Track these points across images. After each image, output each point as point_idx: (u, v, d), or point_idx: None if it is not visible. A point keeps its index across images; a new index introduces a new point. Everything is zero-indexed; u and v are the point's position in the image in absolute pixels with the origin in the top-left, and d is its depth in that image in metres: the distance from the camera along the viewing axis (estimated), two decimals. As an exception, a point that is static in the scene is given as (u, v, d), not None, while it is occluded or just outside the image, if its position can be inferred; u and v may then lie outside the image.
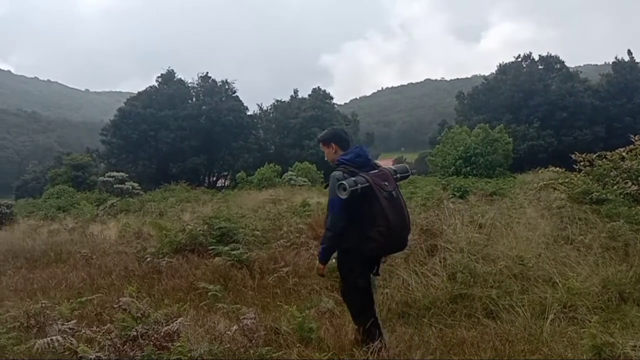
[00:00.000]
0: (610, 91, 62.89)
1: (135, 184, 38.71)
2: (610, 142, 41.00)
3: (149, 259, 8.00)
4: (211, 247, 7.84)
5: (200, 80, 71.71)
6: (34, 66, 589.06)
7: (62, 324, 4.53)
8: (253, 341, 4.12)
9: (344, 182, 3.85)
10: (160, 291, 6.77)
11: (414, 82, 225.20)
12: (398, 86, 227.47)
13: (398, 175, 4.25)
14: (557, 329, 4.77)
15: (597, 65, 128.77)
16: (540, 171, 21.96)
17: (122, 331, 3.99)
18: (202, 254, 7.96)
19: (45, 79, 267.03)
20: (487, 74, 79.22)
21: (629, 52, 63.87)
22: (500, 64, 71.60)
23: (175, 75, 71.65)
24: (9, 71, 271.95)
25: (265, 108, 77.71)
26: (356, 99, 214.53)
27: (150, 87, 71.06)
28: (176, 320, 4.15)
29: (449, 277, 5.90)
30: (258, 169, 40.39)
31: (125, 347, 3.84)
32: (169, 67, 74.14)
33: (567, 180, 10.41)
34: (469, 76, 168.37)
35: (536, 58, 68.92)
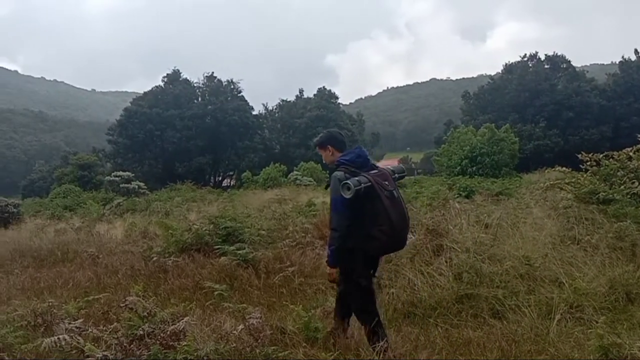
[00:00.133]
0: (617, 91, 62.61)
1: (142, 184, 38.91)
2: (617, 142, 40.83)
3: (155, 259, 8.03)
4: (217, 247, 7.85)
5: (205, 80, 71.83)
6: (40, 66, 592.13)
7: (69, 323, 4.55)
8: (259, 340, 4.12)
9: (348, 181, 3.87)
10: (166, 290, 6.80)
11: (419, 81, 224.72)
12: (403, 86, 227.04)
13: (396, 175, 4.30)
14: (564, 329, 4.76)
15: (603, 64, 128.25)
16: (546, 171, 21.81)
17: (129, 330, 4.00)
18: (208, 254, 7.97)
19: (52, 79, 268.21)
20: (493, 73, 79.25)
21: (636, 52, 63.55)
22: (506, 64, 71.51)
23: (181, 75, 71.79)
24: (15, 71, 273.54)
25: (270, 108, 78.00)
26: (361, 98, 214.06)
27: (156, 87, 71.27)
28: (182, 319, 4.16)
29: (455, 277, 5.89)
30: (263, 169, 40.44)
31: (131, 346, 3.85)
32: (175, 67, 74.54)
33: (573, 180, 10.35)
34: (474, 76, 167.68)
35: (542, 57, 68.70)
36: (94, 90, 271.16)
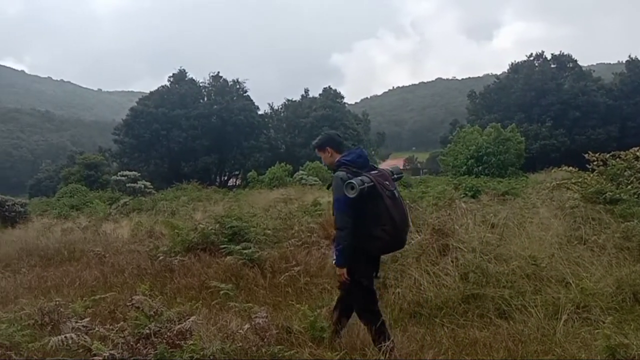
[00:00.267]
0: (624, 90, 62.36)
1: (148, 183, 39.05)
2: (623, 142, 40.71)
3: (161, 258, 8.05)
4: (223, 246, 7.86)
5: (211, 80, 72.00)
6: (47, 66, 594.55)
7: (76, 322, 4.58)
8: (265, 340, 4.13)
9: (352, 180, 3.91)
10: (172, 289, 6.82)
11: (425, 81, 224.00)
12: (409, 85, 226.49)
13: (395, 176, 4.36)
14: (571, 329, 4.74)
15: (610, 64, 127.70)
16: (553, 171, 21.82)
17: (135, 329, 4.01)
18: (214, 253, 7.99)
19: (59, 79, 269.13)
20: (499, 72, 79.02)
21: (643, 51, 63.23)
22: (512, 63, 71.40)
23: (187, 74, 72.04)
24: (22, 71, 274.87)
25: (276, 107, 78.03)
26: (367, 98, 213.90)
27: (162, 86, 71.54)
28: (189, 318, 4.17)
29: (461, 277, 5.88)
30: (269, 168, 40.40)
31: (138, 344, 3.86)
32: (181, 67, 74.65)
33: (580, 180, 10.33)
34: (480, 75, 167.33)
35: (548, 57, 68.52)
36: (100, 90, 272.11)
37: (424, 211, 8.92)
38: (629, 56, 64.77)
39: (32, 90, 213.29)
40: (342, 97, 76.15)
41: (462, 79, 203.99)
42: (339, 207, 4.03)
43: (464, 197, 13.74)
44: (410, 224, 4.62)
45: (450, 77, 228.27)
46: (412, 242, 6.82)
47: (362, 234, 4.01)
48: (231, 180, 69.60)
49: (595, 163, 10.74)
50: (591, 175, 10.43)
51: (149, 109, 66.50)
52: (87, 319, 4.74)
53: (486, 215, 8.28)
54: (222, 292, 5.82)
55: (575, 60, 67.46)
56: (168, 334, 3.97)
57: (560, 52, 68.41)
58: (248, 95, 71.61)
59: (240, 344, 4.06)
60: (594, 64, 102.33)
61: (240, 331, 4.23)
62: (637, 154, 10.33)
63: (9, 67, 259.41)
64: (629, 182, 9.83)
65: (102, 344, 3.92)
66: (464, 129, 43.71)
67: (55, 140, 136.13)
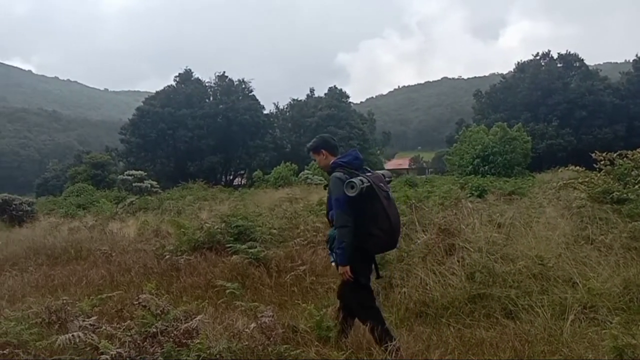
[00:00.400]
0: (631, 89, 62.01)
1: (154, 182, 39.10)
2: (631, 141, 40.45)
3: (167, 257, 8.06)
4: (229, 245, 7.88)
5: (217, 80, 72.17)
6: (54, 66, 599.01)
7: (83, 320, 4.59)
8: (271, 339, 4.13)
9: (353, 180, 3.99)
10: (179, 288, 6.84)
11: (431, 80, 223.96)
12: (415, 85, 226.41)
13: (387, 179, 4.46)
14: (578, 330, 4.72)
15: (617, 63, 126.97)
16: (559, 170, 21.77)
17: (142, 328, 4.02)
18: (220, 252, 8.00)
19: (66, 79, 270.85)
20: (505, 72, 78.94)
21: (651, 50, 62.87)
22: (518, 62, 71.22)
23: (193, 74, 72.24)
24: (29, 71, 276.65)
25: (281, 107, 78.12)
26: (373, 97, 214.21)
27: (168, 86, 71.75)
28: (195, 317, 4.18)
29: (467, 276, 5.86)
30: (274, 168, 40.47)
31: (145, 343, 3.87)
32: (187, 67, 74.83)
33: (587, 179, 10.26)
34: (486, 74, 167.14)
35: (555, 56, 68.28)
36: (107, 89, 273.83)
37: (430, 211, 8.91)
38: (636, 55, 64.44)
39: (39, 90, 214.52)
40: (348, 97, 76.20)
41: (468, 78, 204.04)
42: (339, 206, 4.08)
43: (470, 196, 13.72)
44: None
45: (456, 77, 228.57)
46: (418, 241, 6.83)
47: (361, 233, 4.08)
48: (237, 179, 69.77)
49: (602, 162, 10.66)
50: (598, 174, 10.35)
51: (155, 109, 66.74)
52: (94, 317, 4.75)
53: (492, 215, 8.25)
54: (228, 291, 5.81)
55: (582, 60, 67.19)
56: (175, 332, 3.98)
57: (567, 51, 68.24)
58: (254, 95, 71.78)
59: (247, 342, 4.07)
60: (601, 63, 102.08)
61: (247, 330, 4.23)
62: (645, 153, 10.25)
63: (17, 67, 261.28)
64: (636, 181, 9.75)
65: (109, 342, 3.93)
66: (470, 129, 43.64)
67: (62, 140, 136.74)
